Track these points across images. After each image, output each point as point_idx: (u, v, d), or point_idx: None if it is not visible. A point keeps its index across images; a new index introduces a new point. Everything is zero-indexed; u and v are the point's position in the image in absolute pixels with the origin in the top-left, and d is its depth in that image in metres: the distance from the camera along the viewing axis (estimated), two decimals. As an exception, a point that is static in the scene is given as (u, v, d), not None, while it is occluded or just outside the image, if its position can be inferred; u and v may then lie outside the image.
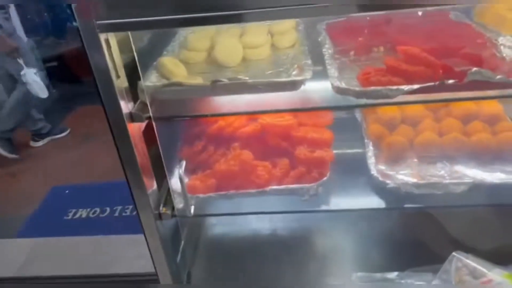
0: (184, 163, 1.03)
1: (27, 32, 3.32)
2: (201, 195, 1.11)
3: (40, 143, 3.43)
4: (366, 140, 1.21)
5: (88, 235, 2.37)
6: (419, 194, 1.07)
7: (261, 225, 1.42)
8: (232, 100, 1.03)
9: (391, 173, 1.12)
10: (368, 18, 1.19)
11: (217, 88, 0.94)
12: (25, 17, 3.40)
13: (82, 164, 3.12)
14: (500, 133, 1.14)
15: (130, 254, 2.13)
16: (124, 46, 0.89)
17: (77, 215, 2.59)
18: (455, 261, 0.95)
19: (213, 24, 0.80)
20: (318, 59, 1.06)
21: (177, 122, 1.20)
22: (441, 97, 0.92)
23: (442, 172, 1.11)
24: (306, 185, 1.09)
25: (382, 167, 1.14)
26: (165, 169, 1.05)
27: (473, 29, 1.11)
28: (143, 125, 0.98)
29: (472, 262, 0.94)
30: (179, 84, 0.96)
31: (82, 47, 0.83)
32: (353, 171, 1.17)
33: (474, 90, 0.90)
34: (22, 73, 2.99)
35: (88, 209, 2.62)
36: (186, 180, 1.05)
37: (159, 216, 1.07)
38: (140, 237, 1.09)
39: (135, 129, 0.95)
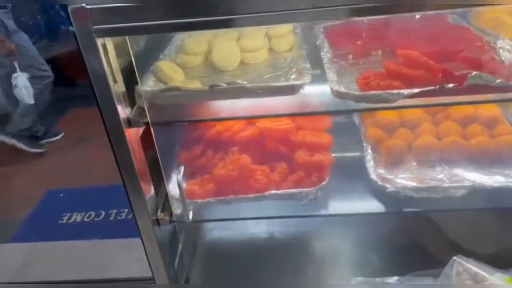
0: (182, 168, 1.02)
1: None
2: (199, 200, 1.10)
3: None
4: (364, 144, 1.21)
5: (83, 239, 2.34)
6: (419, 198, 1.06)
7: (259, 229, 1.41)
8: (230, 105, 1.02)
9: (390, 177, 1.11)
10: (365, 21, 1.18)
11: (215, 92, 0.93)
12: (18, 19, 3.37)
13: (76, 167, 3.08)
14: (498, 136, 1.14)
15: (126, 258, 2.11)
16: (120, 50, 0.88)
17: (72, 219, 2.56)
18: (456, 266, 0.95)
19: (211, 28, 0.80)
20: (316, 62, 1.05)
21: (175, 126, 1.19)
22: (440, 101, 0.92)
23: (441, 175, 1.11)
24: (305, 189, 1.09)
25: (381, 170, 1.14)
26: (163, 174, 1.04)
27: (471, 32, 1.11)
28: (140, 130, 0.97)
29: (473, 266, 0.94)
30: (177, 89, 0.95)
31: (79, 51, 0.82)
32: (352, 175, 1.17)
33: (474, 94, 0.89)
34: (14, 75, 2.97)
35: (83, 213, 2.59)
36: (184, 185, 1.04)
37: (157, 222, 1.06)
38: (136, 240, 1.08)
39: (132, 134, 0.94)
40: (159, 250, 1.09)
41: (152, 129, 0.96)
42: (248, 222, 1.41)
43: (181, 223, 1.16)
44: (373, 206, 1.11)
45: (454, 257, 0.97)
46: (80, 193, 2.81)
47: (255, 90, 0.93)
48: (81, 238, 2.35)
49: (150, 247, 1.09)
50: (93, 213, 2.58)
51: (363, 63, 1.09)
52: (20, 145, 3.26)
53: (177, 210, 1.07)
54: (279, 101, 0.99)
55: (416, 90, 0.87)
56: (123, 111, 0.90)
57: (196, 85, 0.98)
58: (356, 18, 0.82)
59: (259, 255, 1.34)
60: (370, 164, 1.15)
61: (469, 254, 1.02)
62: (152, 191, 1.04)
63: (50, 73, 3.17)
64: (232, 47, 1.08)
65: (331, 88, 0.94)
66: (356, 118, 1.32)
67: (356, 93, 0.91)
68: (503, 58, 0.99)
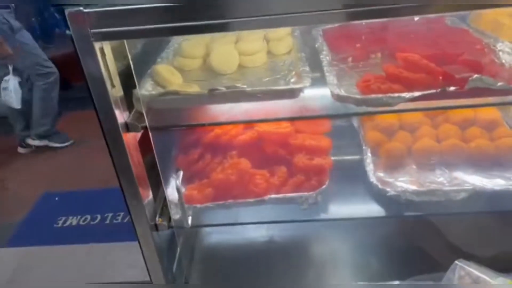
0: (181, 173, 1.01)
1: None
2: (198, 205, 1.09)
3: (28, 149, 3.36)
4: (364, 147, 1.21)
5: (78, 243, 2.32)
6: (419, 201, 1.06)
7: (258, 233, 1.39)
8: (229, 108, 1.01)
9: (390, 180, 1.11)
10: (364, 24, 1.18)
11: (214, 96, 0.92)
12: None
13: (71, 170, 3.06)
14: (498, 139, 1.14)
15: (123, 262, 2.09)
16: (117, 54, 0.87)
17: (67, 223, 2.54)
18: (458, 270, 0.95)
19: (209, 32, 0.78)
20: (315, 65, 1.05)
21: (173, 130, 1.17)
22: (441, 104, 0.91)
23: (441, 178, 1.11)
24: (305, 193, 1.08)
25: (381, 174, 1.14)
26: (161, 178, 1.03)
27: (471, 35, 1.10)
28: (138, 134, 0.96)
29: (475, 270, 0.94)
30: (175, 93, 0.94)
31: (76, 55, 0.80)
32: (352, 178, 1.16)
33: (475, 97, 0.89)
34: (6, 78, 2.96)
35: (79, 217, 2.57)
36: (182, 189, 1.02)
37: (155, 227, 1.04)
38: (133, 244, 1.06)
39: (130, 139, 0.92)
40: (157, 255, 1.08)
41: (150, 134, 0.95)
42: (247, 226, 1.40)
43: (179, 228, 1.15)
44: (373, 210, 1.10)
45: (456, 261, 0.96)
46: (75, 196, 2.79)
47: (255, 94, 0.92)
48: (77, 242, 2.32)
49: (148, 252, 1.07)
50: (88, 217, 2.56)
51: (362, 66, 1.08)
52: (53, 144, 3.33)
53: (175, 215, 1.06)
54: (279, 105, 0.98)
55: (417, 94, 0.86)
56: (121, 116, 0.89)
57: (194, 88, 0.97)
58: (354, 22, 0.82)
59: (258, 259, 1.33)
60: (369, 167, 1.14)
61: (470, 257, 1.02)
62: (150, 196, 1.03)
63: (54, 69, 3.17)
64: (230, 50, 1.07)
65: (331, 92, 0.93)
66: (355, 121, 1.31)
67: (357, 96, 0.91)
68: (503, 61, 0.98)
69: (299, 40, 1.18)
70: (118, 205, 1.01)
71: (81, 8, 0.75)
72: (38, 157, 3.30)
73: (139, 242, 1.06)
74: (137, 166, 0.95)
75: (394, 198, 1.06)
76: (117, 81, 0.87)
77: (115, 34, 0.78)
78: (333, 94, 0.93)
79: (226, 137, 1.16)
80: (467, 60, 0.96)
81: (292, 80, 0.98)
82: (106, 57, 0.82)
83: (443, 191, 1.05)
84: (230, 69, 1.06)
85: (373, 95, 0.89)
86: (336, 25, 1.21)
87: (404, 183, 1.10)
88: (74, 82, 3.31)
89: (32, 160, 3.27)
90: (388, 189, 1.07)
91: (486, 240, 1.17)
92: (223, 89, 0.92)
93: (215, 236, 1.43)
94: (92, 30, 0.76)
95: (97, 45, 0.79)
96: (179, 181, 1.00)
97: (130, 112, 0.93)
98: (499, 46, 1.03)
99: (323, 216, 1.11)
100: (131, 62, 0.89)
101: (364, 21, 1.15)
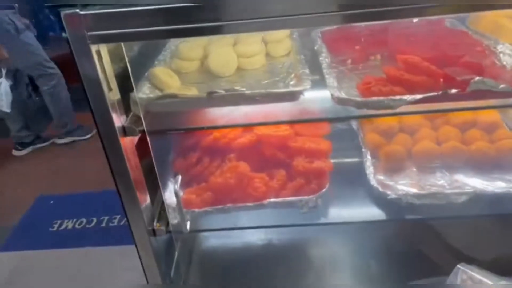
0: (179, 177, 1.00)
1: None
2: (196, 210, 1.07)
3: (23, 152, 3.34)
4: (363, 150, 1.20)
5: (74, 247, 2.30)
6: (420, 204, 1.05)
7: (256, 236, 1.38)
8: (228, 112, 0.99)
9: (390, 183, 1.10)
10: (363, 25, 1.17)
11: (213, 99, 0.91)
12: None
13: (67, 173, 3.04)
14: (498, 141, 1.13)
15: (120, 265, 2.07)
16: (114, 56, 0.85)
17: (63, 226, 2.52)
18: (460, 274, 0.94)
19: (207, 35, 0.78)
20: (313, 67, 1.04)
21: (171, 134, 1.16)
22: (443, 107, 0.90)
23: (442, 181, 1.10)
24: (305, 197, 1.07)
25: (381, 177, 1.13)
26: (159, 183, 1.01)
27: (471, 37, 1.10)
28: (135, 138, 0.94)
29: (477, 274, 0.93)
30: (174, 96, 0.93)
31: (72, 58, 0.79)
32: (352, 181, 1.15)
33: (477, 100, 0.88)
34: None
35: (74, 220, 2.55)
36: (180, 194, 1.01)
37: (153, 232, 1.03)
38: (130, 247, 1.05)
39: (127, 143, 0.91)
40: (155, 260, 1.06)
41: (148, 137, 0.93)
42: (246, 230, 1.39)
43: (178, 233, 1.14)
44: (373, 213, 1.10)
45: (458, 265, 0.95)
46: (70, 200, 2.77)
47: (254, 97, 0.91)
48: (73, 246, 2.31)
49: (146, 257, 1.06)
50: (84, 220, 2.54)
51: (362, 68, 1.07)
52: (78, 137, 3.40)
53: (173, 220, 1.05)
54: (278, 108, 0.97)
55: (418, 96, 0.85)
56: (118, 119, 0.87)
57: (192, 91, 0.96)
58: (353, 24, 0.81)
59: (257, 263, 1.31)
60: (369, 170, 1.13)
61: (471, 261, 1.01)
62: (148, 201, 1.01)
63: (57, 70, 3.18)
64: (229, 53, 1.06)
65: (332, 94, 0.92)
66: (354, 123, 1.30)
67: (358, 99, 0.90)
68: (504, 63, 0.98)
69: (298, 42, 1.17)
70: (114, 208, 0.99)
71: (77, 10, 0.73)
72: (32, 160, 3.28)
73: (136, 247, 1.04)
74: (134, 170, 0.94)
75: (395, 201, 1.05)
76: (114, 84, 0.85)
77: (112, 37, 0.76)
78: (333, 97, 0.92)
79: (224, 140, 1.15)
80: (468, 62, 0.95)
81: (292, 82, 0.97)
82: (103, 60, 0.80)
83: (444, 194, 1.05)
84: (229, 71, 1.05)
85: (374, 98, 0.88)
86: (335, 27, 1.20)
87: (404, 186, 1.09)
88: (71, 84, 3.29)
89: (26, 163, 3.25)
90: (388, 192, 1.06)
91: (487, 244, 1.17)
92: (222, 92, 0.91)
93: (213, 240, 1.41)
94: (88, 33, 0.75)
95: (93, 48, 0.77)
96: (177, 186, 0.98)
97: (127, 116, 0.91)
98: (500, 48, 1.02)
99: (323, 220, 1.10)
100: (128, 65, 0.87)
101: (363, 23, 1.14)
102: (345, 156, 1.25)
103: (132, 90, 0.91)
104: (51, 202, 2.76)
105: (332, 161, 1.16)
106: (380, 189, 1.07)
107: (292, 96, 0.93)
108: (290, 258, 1.30)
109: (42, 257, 2.27)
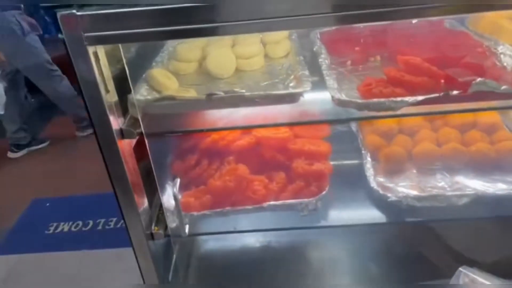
0: (178, 180, 0.98)
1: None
2: (195, 213, 1.06)
3: (18, 154, 3.31)
4: (363, 151, 1.19)
5: (70, 250, 2.28)
6: (420, 207, 1.04)
7: (255, 239, 1.37)
8: (227, 114, 0.98)
9: (390, 185, 1.09)
10: (362, 26, 1.16)
11: (212, 101, 0.90)
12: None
13: (63, 176, 3.02)
14: (498, 143, 1.13)
15: (117, 268, 2.05)
16: (111, 58, 0.84)
17: (59, 229, 2.50)
18: (462, 277, 0.93)
19: (205, 36, 0.77)
20: (312, 69, 1.03)
21: (169, 136, 1.15)
22: (444, 108, 0.90)
23: (442, 183, 1.09)
24: (305, 199, 1.06)
25: (381, 179, 1.12)
26: (157, 186, 1.00)
27: (471, 38, 1.09)
28: (133, 141, 0.93)
29: (479, 277, 0.92)
30: (172, 98, 0.91)
31: (69, 60, 0.77)
32: (352, 183, 1.14)
33: (478, 101, 0.87)
34: None
35: (70, 223, 2.53)
36: (179, 197, 0.99)
37: (151, 236, 1.02)
38: (126, 250, 1.04)
39: (125, 145, 0.90)
40: (153, 264, 1.05)
41: (146, 140, 0.92)
42: (245, 233, 1.38)
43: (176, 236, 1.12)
44: (374, 216, 1.09)
45: (460, 268, 0.95)
46: (66, 202, 2.74)
47: (254, 99, 0.90)
48: (69, 249, 2.28)
49: (144, 261, 1.05)
50: (80, 223, 2.52)
51: (362, 70, 1.06)
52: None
53: (172, 223, 1.03)
54: (278, 110, 0.96)
55: (420, 98, 0.84)
56: (116, 122, 0.86)
57: (191, 93, 0.94)
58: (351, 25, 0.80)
59: (256, 266, 1.30)
60: (369, 172, 1.12)
61: (473, 263, 1.00)
62: (146, 204, 1.00)
63: (59, 73, 3.18)
64: (227, 54, 1.05)
65: (332, 96, 0.91)
66: (353, 125, 1.29)
67: (359, 101, 0.89)
68: (505, 64, 0.97)
69: (297, 43, 1.16)
70: (111, 210, 0.98)
71: (74, 10, 0.72)
72: (28, 162, 3.25)
73: (134, 251, 1.03)
74: (132, 173, 0.92)
75: (395, 203, 1.05)
76: (111, 86, 0.84)
77: (109, 38, 0.75)
78: (334, 99, 0.91)
79: (223, 143, 1.13)
80: (469, 63, 0.95)
81: (291, 84, 0.96)
82: (100, 61, 0.79)
83: (445, 196, 1.04)
84: (227, 73, 1.04)
85: (375, 100, 0.87)
86: (333, 28, 1.19)
87: (404, 188, 1.08)
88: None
89: (22, 165, 3.22)
90: (389, 195, 1.05)
91: (489, 246, 1.16)
92: (221, 93, 0.90)
93: (212, 243, 1.40)
94: (85, 34, 0.73)
95: (90, 49, 0.76)
96: (176, 189, 0.97)
97: (125, 118, 0.90)
98: (500, 49, 1.01)
99: (323, 222, 1.09)
100: (126, 66, 0.86)
101: (361, 24, 1.13)
102: (345, 158, 1.24)
103: (129, 92, 0.90)
104: (47, 204, 2.74)
105: (331, 163, 1.15)
106: (380, 192, 1.06)
107: (292, 98, 0.92)
108: (289, 261, 1.29)
109: (37, 260, 2.24)
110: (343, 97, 0.90)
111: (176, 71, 1.06)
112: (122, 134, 0.88)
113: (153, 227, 1.02)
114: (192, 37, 0.77)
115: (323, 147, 1.15)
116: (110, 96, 0.84)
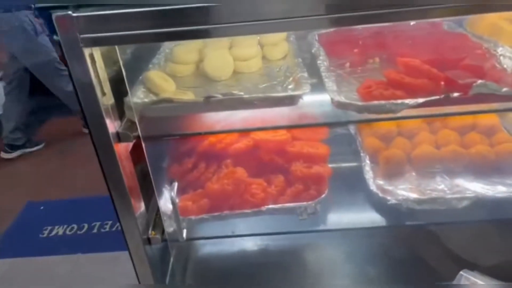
0: (176, 184, 0.97)
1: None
2: (193, 217, 1.05)
3: (12, 155, 3.28)
4: (362, 154, 1.18)
5: (65, 254, 2.26)
6: (420, 210, 1.03)
7: (253, 243, 1.35)
8: (225, 116, 0.97)
9: (390, 188, 1.08)
10: (360, 28, 1.15)
11: (210, 104, 0.88)
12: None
13: (58, 178, 2.99)
14: (498, 145, 1.12)
15: (112, 272, 2.03)
16: (108, 59, 0.83)
17: (53, 233, 2.47)
18: (463, 280, 0.92)
19: (202, 38, 0.76)
20: (311, 70, 1.02)
21: (167, 139, 1.13)
22: (444, 110, 0.89)
23: (442, 186, 1.09)
24: (304, 203, 1.04)
25: (380, 182, 1.11)
26: (154, 190, 0.98)
27: (470, 40, 1.08)
28: (130, 144, 0.91)
29: (479, 280, 0.91)
30: (169, 101, 0.90)
31: (64, 62, 0.76)
32: (351, 186, 1.13)
33: (479, 103, 0.87)
34: None
35: (65, 226, 2.50)
36: (176, 201, 0.98)
37: (148, 241, 1.00)
38: (122, 254, 1.02)
39: (122, 149, 0.88)
40: (150, 269, 1.04)
41: (143, 143, 0.90)
42: (243, 237, 1.36)
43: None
44: (373, 219, 1.08)
45: (461, 272, 0.94)
46: (61, 205, 2.72)
47: (253, 101, 0.89)
48: (63, 253, 2.26)
49: (141, 266, 1.03)
50: (75, 226, 2.49)
51: (360, 72, 1.05)
52: None
53: (169, 227, 1.02)
54: (276, 112, 0.95)
55: (421, 100, 0.84)
56: (112, 125, 0.84)
57: (189, 96, 0.93)
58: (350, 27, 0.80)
59: (254, 270, 1.28)
60: (369, 175, 1.11)
61: (473, 267, 0.99)
62: (143, 208, 0.99)
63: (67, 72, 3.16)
64: (225, 56, 1.04)
65: (332, 99, 0.90)
66: (351, 127, 1.28)
67: (359, 103, 0.88)
68: (505, 66, 0.96)
69: (295, 45, 1.15)
70: (106, 214, 0.97)
71: (70, 12, 0.71)
72: (22, 164, 3.22)
73: (130, 256, 1.01)
74: (128, 177, 0.91)
75: (395, 206, 1.04)
76: (107, 88, 0.83)
77: (105, 40, 0.74)
78: (333, 101, 0.90)
79: (221, 146, 1.12)
80: (469, 65, 0.94)
81: (290, 86, 0.95)
82: (96, 63, 0.78)
83: (445, 199, 1.03)
84: (225, 75, 1.02)
85: (375, 102, 0.87)
86: (332, 30, 1.18)
87: (404, 191, 1.07)
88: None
89: (15, 166, 3.19)
90: (388, 198, 1.04)
91: (489, 249, 1.15)
92: (220, 96, 0.88)
93: (209, 247, 1.38)
94: (81, 35, 0.72)
95: (86, 51, 0.74)
96: (173, 193, 0.96)
97: (121, 121, 0.89)
98: (500, 50, 1.01)
99: (322, 226, 1.08)
100: (122, 69, 0.84)
101: (360, 26, 1.12)
102: (344, 161, 1.23)
103: (126, 94, 0.88)
104: (41, 208, 2.71)
105: (330, 166, 1.14)
106: (380, 195, 1.05)
107: (291, 100, 0.91)
108: (287, 264, 1.28)
109: (32, 264, 2.22)
110: (343, 99, 0.90)
111: (173, 73, 1.05)
112: (119, 137, 0.86)
113: (150, 231, 1.01)
114: (189, 39, 0.76)
115: (321, 149, 1.14)
116: (106, 99, 0.82)
